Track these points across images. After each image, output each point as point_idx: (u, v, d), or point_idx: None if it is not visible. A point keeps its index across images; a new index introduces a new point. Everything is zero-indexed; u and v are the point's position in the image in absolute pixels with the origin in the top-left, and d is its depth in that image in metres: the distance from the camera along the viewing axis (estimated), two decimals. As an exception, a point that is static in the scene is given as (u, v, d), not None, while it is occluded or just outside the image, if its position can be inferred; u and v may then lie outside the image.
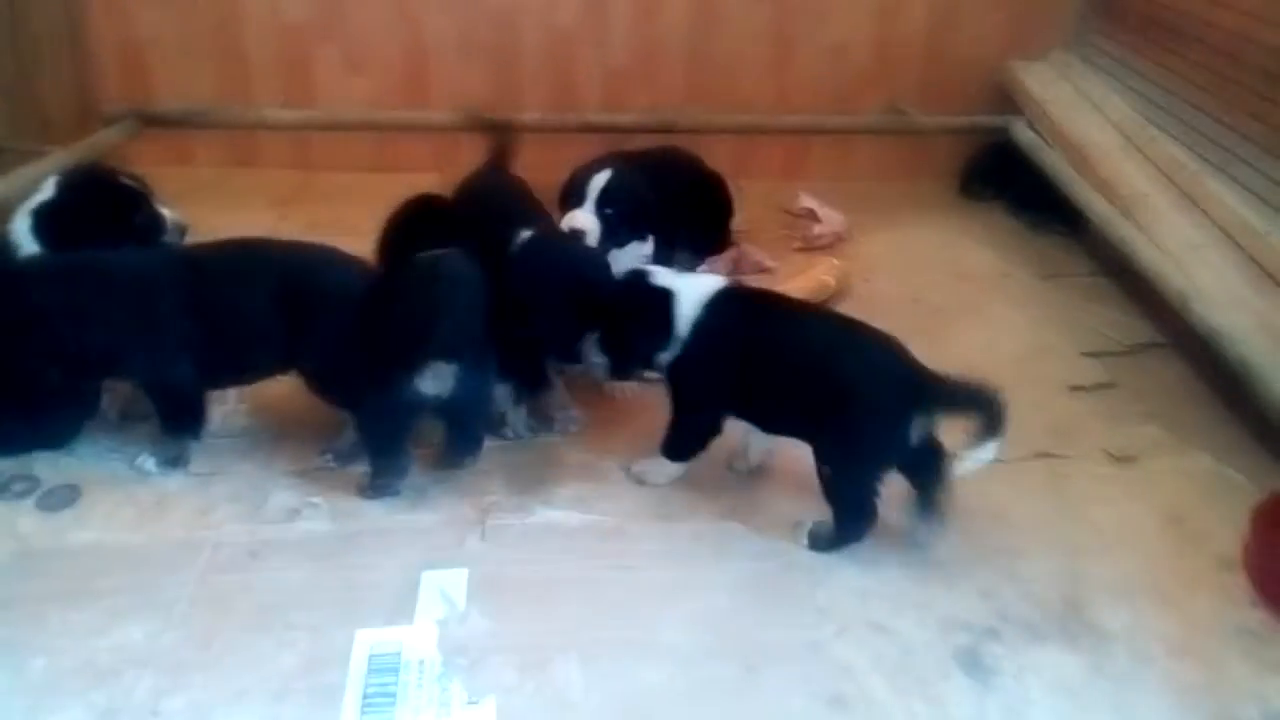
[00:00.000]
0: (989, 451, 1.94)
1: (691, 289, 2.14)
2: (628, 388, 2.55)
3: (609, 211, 2.71)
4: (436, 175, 3.86)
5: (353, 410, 2.24)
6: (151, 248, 2.35)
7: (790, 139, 4.19)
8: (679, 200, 3.07)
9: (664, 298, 2.12)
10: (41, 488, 2.19)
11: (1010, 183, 3.94)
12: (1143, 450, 2.48)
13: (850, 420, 2.01)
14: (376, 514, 2.16)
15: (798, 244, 3.62)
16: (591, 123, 3.93)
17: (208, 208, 2.91)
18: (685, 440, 2.25)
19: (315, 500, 2.19)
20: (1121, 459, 2.45)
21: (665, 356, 2.15)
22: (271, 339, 2.15)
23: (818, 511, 2.12)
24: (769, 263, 3.43)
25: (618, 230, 2.72)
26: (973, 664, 1.83)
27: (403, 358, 2.04)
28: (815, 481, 2.11)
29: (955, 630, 1.91)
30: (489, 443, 2.33)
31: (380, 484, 2.19)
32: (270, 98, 3.92)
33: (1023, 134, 3.78)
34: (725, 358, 2.11)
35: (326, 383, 2.21)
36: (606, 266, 2.43)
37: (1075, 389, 2.76)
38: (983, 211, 3.99)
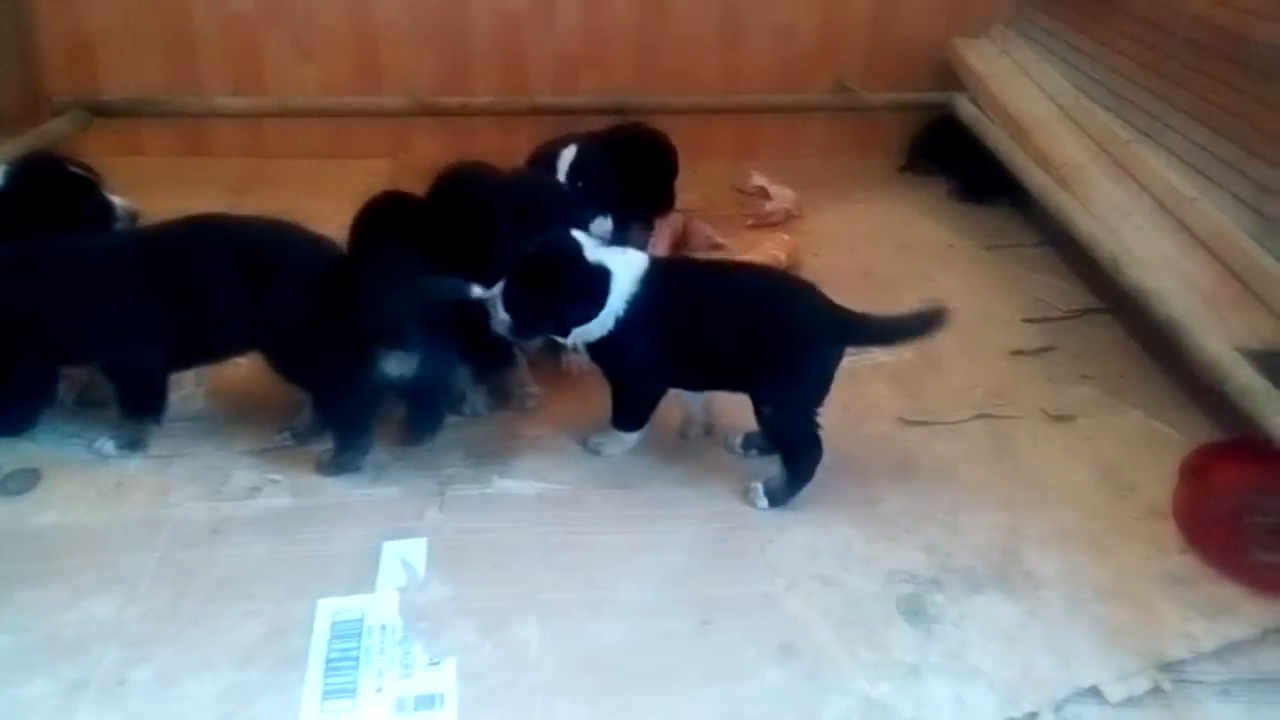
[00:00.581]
0: None
1: (626, 267, 2.16)
2: (582, 362, 2.60)
3: (579, 184, 2.75)
4: (389, 160, 3.94)
5: (314, 389, 2.26)
6: (113, 231, 2.36)
7: (741, 118, 4.24)
8: (625, 165, 3.08)
9: (602, 276, 2.14)
10: (1, 473, 2.20)
11: (955, 157, 4.02)
12: (1080, 409, 2.58)
13: (790, 358, 2.12)
14: (337, 489, 2.20)
15: (750, 221, 3.68)
16: (542, 105, 3.96)
17: (161, 197, 2.89)
18: (632, 411, 2.31)
19: (275, 477, 2.22)
20: (1059, 418, 2.55)
21: (589, 331, 2.17)
22: (235, 316, 2.17)
23: (765, 474, 2.21)
24: (719, 239, 3.49)
25: (587, 204, 2.76)
26: (916, 612, 1.91)
27: (367, 340, 2.07)
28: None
29: (899, 582, 1.99)
30: (449, 419, 2.36)
31: (342, 461, 2.22)
32: (220, 86, 3.91)
33: (965, 109, 3.87)
34: (661, 329, 2.16)
35: (288, 361, 2.22)
36: (570, 206, 2.46)
37: (1016, 353, 2.85)
38: (928, 185, 4.07)
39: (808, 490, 2.20)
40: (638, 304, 2.15)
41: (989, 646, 1.84)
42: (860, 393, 2.62)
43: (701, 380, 2.30)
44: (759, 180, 3.85)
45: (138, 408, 2.28)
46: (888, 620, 1.89)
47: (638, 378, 2.27)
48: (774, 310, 2.15)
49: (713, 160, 4.06)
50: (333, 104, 3.95)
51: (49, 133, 3.44)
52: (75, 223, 2.31)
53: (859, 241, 3.56)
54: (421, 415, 2.27)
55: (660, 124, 3.72)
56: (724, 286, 2.23)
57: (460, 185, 2.56)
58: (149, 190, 2.82)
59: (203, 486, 2.19)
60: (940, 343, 2.83)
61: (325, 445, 2.27)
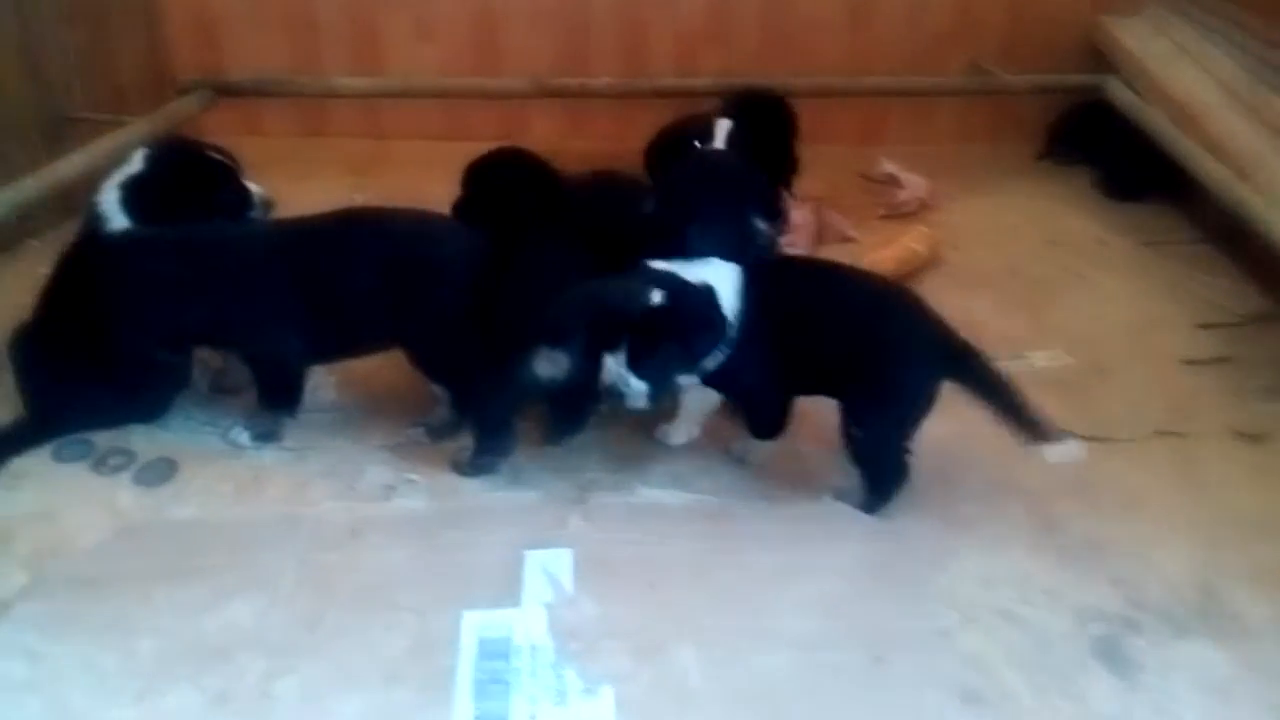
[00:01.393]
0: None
1: (723, 280, 1.98)
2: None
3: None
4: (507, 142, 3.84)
5: (459, 388, 2.18)
6: (263, 220, 2.31)
7: (867, 102, 4.02)
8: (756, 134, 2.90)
9: (710, 294, 1.95)
10: (138, 462, 2.17)
11: (1101, 144, 3.75)
12: (1271, 428, 2.34)
13: (883, 380, 1.99)
14: (475, 491, 2.11)
15: (882, 211, 3.48)
16: (663, 88, 3.80)
17: (282, 178, 2.84)
18: (766, 420, 2.17)
19: (412, 476, 2.14)
20: (1249, 437, 2.31)
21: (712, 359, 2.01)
22: (380, 311, 2.11)
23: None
24: (851, 232, 3.30)
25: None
26: (1114, 657, 1.72)
27: (521, 339, 1.96)
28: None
29: (1090, 620, 1.80)
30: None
31: (482, 462, 2.13)
32: (340, 66, 3.86)
33: (1119, 93, 3.58)
34: (764, 336, 1.99)
35: (434, 359, 2.15)
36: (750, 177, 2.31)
37: (1190, 363, 2.61)
38: (1071, 175, 3.81)
39: (977, 509, 2.03)
40: (744, 316, 1.98)
41: (1201, 701, 1.65)
42: (1022, 402, 2.42)
43: (808, 386, 2.12)
44: (889, 167, 3.64)
45: (275, 399, 2.23)
46: (1083, 665, 1.71)
47: (763, 389, 2.11)
48: (870, 326, 2.00)
49: (836, 145, 3.85)
50: (451, 85, 3.86)
51: (176, 112, 3.42)
52: (213, 209, 2.25)
53: (1002, 235, 3.34)
54: (566, 416, 2.16)
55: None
56: (823, 295, 2.07)
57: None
58: (270, 171, 2.76)
59: (338, 483, 2.12)
60: (1106, 349, 2.66)
61: (460, 443, 2.18)
